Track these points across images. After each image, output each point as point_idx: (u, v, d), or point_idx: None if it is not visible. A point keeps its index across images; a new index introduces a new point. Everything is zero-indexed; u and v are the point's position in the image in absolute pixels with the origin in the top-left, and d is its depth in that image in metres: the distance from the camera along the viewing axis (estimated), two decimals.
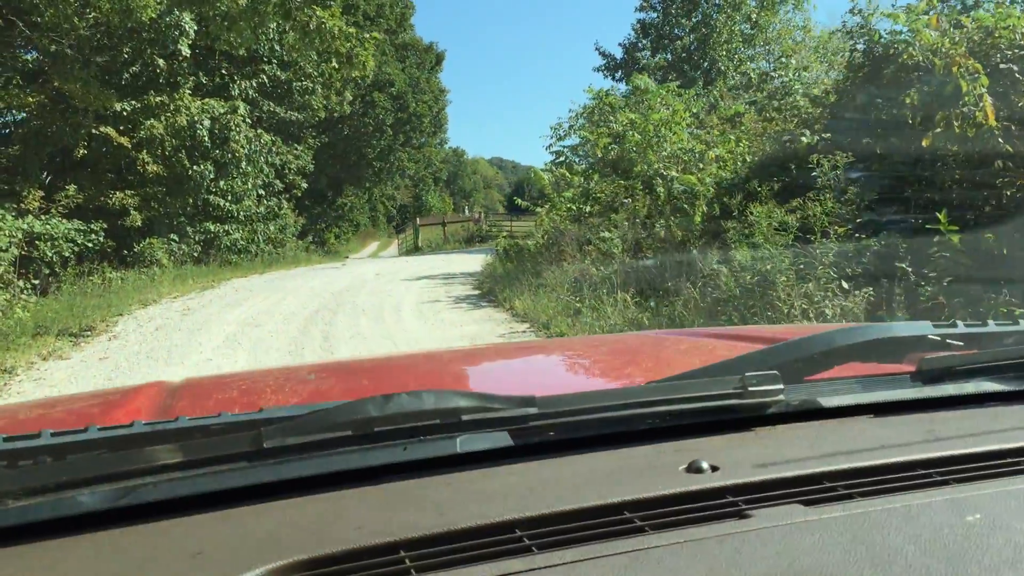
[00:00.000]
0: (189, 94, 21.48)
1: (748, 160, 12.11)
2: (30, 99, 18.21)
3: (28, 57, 18.94)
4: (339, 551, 0.83)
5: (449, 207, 60.16)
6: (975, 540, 0.80)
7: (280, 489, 1.00)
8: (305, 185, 28.44)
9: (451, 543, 0.85)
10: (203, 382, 2.08)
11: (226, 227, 23.26)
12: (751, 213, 9.09)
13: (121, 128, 20.41)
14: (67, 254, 16.77)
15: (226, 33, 12.94)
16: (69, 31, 15.76)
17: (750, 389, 1.16)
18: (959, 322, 1.39)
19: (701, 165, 12.58)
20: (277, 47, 24.34)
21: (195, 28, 17.29)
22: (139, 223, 20.64)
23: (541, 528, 0.88)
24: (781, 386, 1.17)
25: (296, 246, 28.97)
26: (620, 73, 30.56)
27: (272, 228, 25.59)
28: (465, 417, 1.07)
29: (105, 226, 18.91)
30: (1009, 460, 1.03)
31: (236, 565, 0.80)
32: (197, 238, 22.60)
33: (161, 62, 20.09)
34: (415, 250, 38.27)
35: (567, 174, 16.75)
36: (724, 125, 13.69)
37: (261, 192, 24.70)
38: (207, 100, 22.04)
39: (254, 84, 24.54)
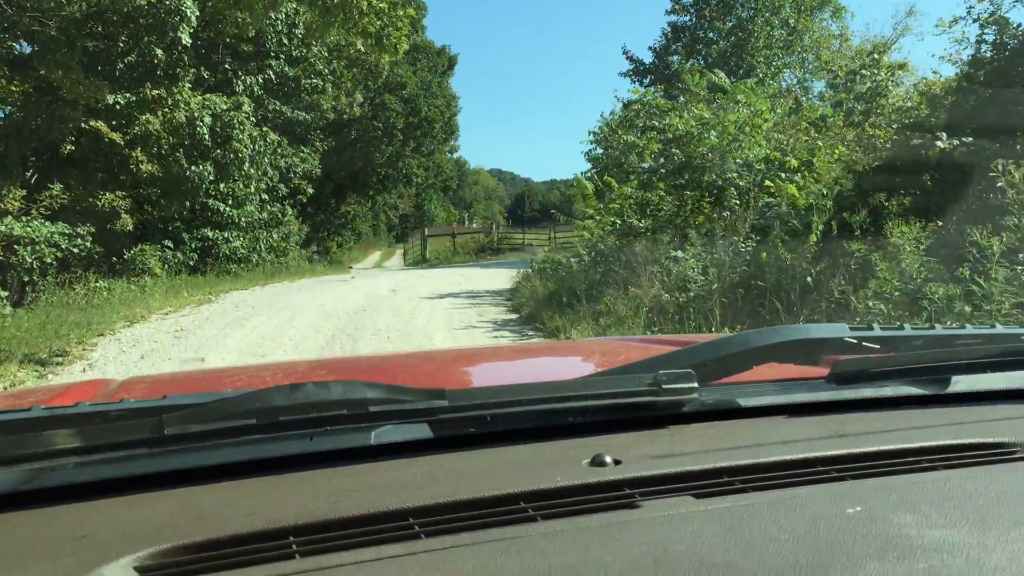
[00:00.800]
0: (189, 88, 19.65)
1: (840, 171, 10.27)
2: (13, 87, 16.34)
3: (15, 45, 17.09)
4: (225, 536, 0.84)
5: (455, 218, 58.41)
6: (849, 531, 0.82)
7: (182, 477, 1.00)
8: (311, 190, 26.54)
9: (341, 530, 0.86)
10: (146, 379, 2.11)
11: (226, 234, 21.33)
12: (890, 233, 7.23)
13: (113, 123, 18.62)
14: (49, 260, 15.01)
15: (232, 10, 11.07)
16: (56, 10, 13.90)
17: (664, 387, 1.18)
18: (875, 324, 1.45)
19: (783, 175, 10.73)
20: (285, 40, 22.52)
21: (196, 13, 15.44)
22: (130, 227, 18.77)
23: (433, 517, 0.89)
24: (695, 384, 1.20)
25: (299, 255, 27.09)
26: (650, 79, 28.83)
27: (275, 236, 23.68)
28: (373, 408, 1.08)
29: (93, 230, 17.29)
30: (906, 459, 1.06)
31: (118, 548, 0.81)
32: (194, 245, 20.69)
33: (159, 52, 18.22)
34: (423, 262, 36.47)
35: (613, 183, 14.90)
36: (808, 129, 11.83)
37: (264, 197, 22.79)
38: (208, 96, 20.21)
39: (259, 80, 22.67)
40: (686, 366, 1.23)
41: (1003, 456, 1.08)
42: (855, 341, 1.41)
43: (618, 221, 13.36)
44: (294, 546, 0.83)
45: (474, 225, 41.88)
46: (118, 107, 18.41)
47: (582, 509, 0.91)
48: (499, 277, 19.64)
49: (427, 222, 59.99)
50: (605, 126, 18.22)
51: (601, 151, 19.08)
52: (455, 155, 38.67)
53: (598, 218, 14.14)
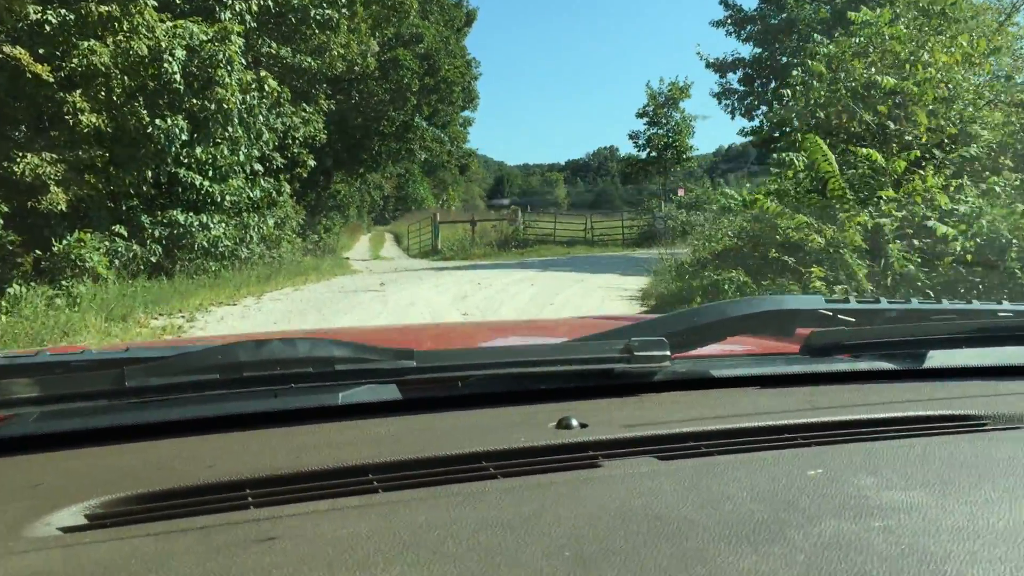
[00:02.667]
0: (154, 7, 13.57)
1: None
2: None
3: None
4: (179, 486, 0.85)
5: (455, 199, 52.25)
6: (808, 491, 0.83)
7: (143, 431, 1.01)
8: (312, 163, 20.37)
9: (299, 483, 0.87)
10: (120, 345, 2.00)
11: (203, 218, 15.17)
12: None
13: (41, 52, 12.54)
14: None
15: None
16: None
17: (636, 354, 1.17)
18: (852, 297, 1.46)
19: None
20: None
21: None
22: (63, 206, 12.73)
23: (393, 473, 0.90)
24: (667, 352, 1.19)
25: (294, 248, 20.97)
26: (750, 29, 23.18)
27: (270, 223, 17.51)
28: (340, 367, 1.08)
29: (6, 209, 11.35)
30: (874, 429, 1.07)
31: (71, 496, 0.82)
32: (157, 234, 14.57)
33: None
34: (434, 253, 30.55)
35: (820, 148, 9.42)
36: None
37: (257, 168, 16.63)
38: (182, 22, 14.15)
39: (253, 6, 16.45)
40: (659, 334, 1.22)
41: (971, 428, 1.09)
42: (830, 313, 1.42)
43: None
44: (249, 497, 0.84)
45: (507, 211, 35.75)
46: (48, 28, 12.39)
47: (543, 468, 0.92)
48: (586, 286, 13.98)
49: (413, 204, 54.23)
50: (800, 80, 12.06)
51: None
52: (468, 128, 32.78)
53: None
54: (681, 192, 31.65)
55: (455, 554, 0.71)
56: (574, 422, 1.04)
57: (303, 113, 19.39)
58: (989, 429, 1.08)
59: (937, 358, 1.34)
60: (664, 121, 33.76)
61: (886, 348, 1.36)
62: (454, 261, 27.75)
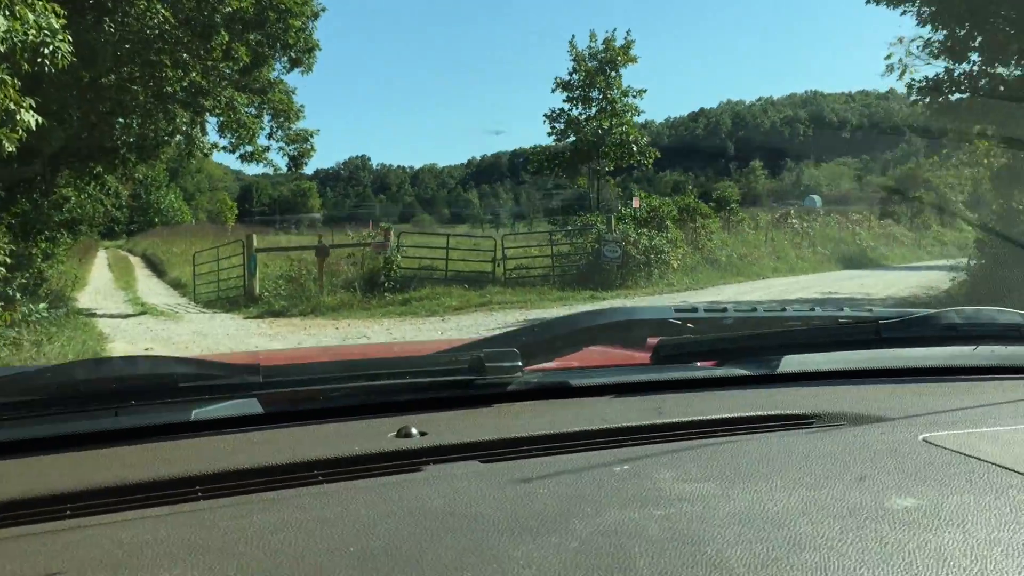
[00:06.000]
0: None
1: None
2: None
3: None
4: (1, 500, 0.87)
5: (229, 216, 38.48)
6: (605, 485, 0.89)
7: None
8: (35, 121, 7.48)
9: (121, 495, 0.88)
10: None
11: None
12: None
13: None
14: None
15: None
16: None
17: (487, 365, 1.21)
18: (698, 306, 1.51)
19: None
20: None
21: None
22: None
23: (220, 484, 0.91)
24: (518, 363, 1.24)
25: None
26: None
27: None
28: (183, 384, 1.07)
29: None
30: (700, 429, 1.13)
31: None
32: None
33: None
34: (250, 302, 18.01)
35: None
36: None
37: None
38: None
39: None
40: (512, 347, 1.25)
41: (797, 426, 1.15)
42: (679, 322, 1.44)
43: None
44: (68, 511, 0.85)
45: (374, 232, 22.53)
46: None
47: (367, 474, 0.95)
48: None
49: (153, 216, 41.37)
50: None
51: None
52: (297, 97, 20.28)
53: None
54: (636, 202, 21.30)
55: (242, 554, 0.73)
56: (414, 431, 1.07)
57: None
58: (814, 428, 1.15)
59: (780, 362, 1.42)
60: (603, 97, 23.15)
61: (732, 355, 1.43)
62: (291, 321, 15.67)
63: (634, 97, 23.85)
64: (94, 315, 16.57)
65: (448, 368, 1.22)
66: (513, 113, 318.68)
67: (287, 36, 16.80)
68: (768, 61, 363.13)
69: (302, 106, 19.78)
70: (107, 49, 13.68)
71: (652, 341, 1.45)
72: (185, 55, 14.89)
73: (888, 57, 16.35)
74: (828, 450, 1.02)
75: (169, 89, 15.23)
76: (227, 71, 16.53)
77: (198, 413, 1.09)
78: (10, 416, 1.02)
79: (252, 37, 16.36)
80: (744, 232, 26.05)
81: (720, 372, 1.40)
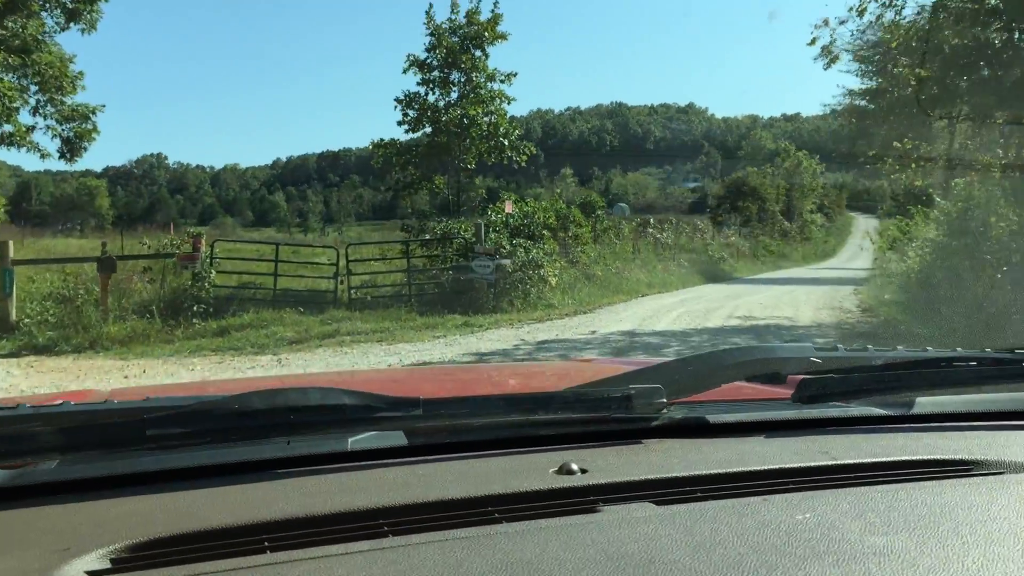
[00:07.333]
0: None
1: None
2: None
3: None
4: (199, 530, 0.88)
5: None
6: (796, 536, 0.87)
7: (162, 477, 1.04)
8: None
9: (312, 527, 0.90)
10: (134, 390, 2.08)
11: None
12: None
13: None
14: None
15: None
16: None
17: (634, 402, 1.21)
18: (840, 346, 1.51)
19: None
20: None
21: None
22: None
23: (402, 517, 0.93)
24: (664, 400, 1.23)
25: None
26: None
27: None
28: (350, 415, 1.11)
29: None
30: (862, 474, 1.11)
31: (95, 540, 0.85)
32: None
33: None
34: (5, 331, 12.93)
35: None
36: None
37: None
38: None
39: None
40: (656, 382, 1.24)
41: (957, 473, 1.12)
42: (819, 361, 1.43)
43: None
44: (266, 542, 0.86)
45: (179, 236, 17.27)
46: None
47: (545, 513, 0.95)
48: None
49: None
50: None
51: None
52: (75, 64, 15.18)
53: None
54: (509, 207, 17.69)
55: None
56: (575, 467, 1.07)
57: None
58: (975, 474, 1.11)
59: (926, 404, 1.39)
60: (467, 80, 19.31)
61: (875, 395, 1.41)
62: (60, 361, 11.44)
63: (502, 82, 20.41)
64: None
65: (598, 404, 1.22)
66: (327, 111, 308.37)
67: None
68: (576, 71, 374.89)
69: (80, 73, 14.79)
70: None
71: (793, 379, 1.42)
72: None
73: (812, 42, 14.24)
74: (1004, 501, 1.00)
75: None
76: None
77: (356, 442, 1.12)
78: (195, 443, 1.05)
79: None
80: (613, 242, 23.45)
81: (863, 411, 1.38)
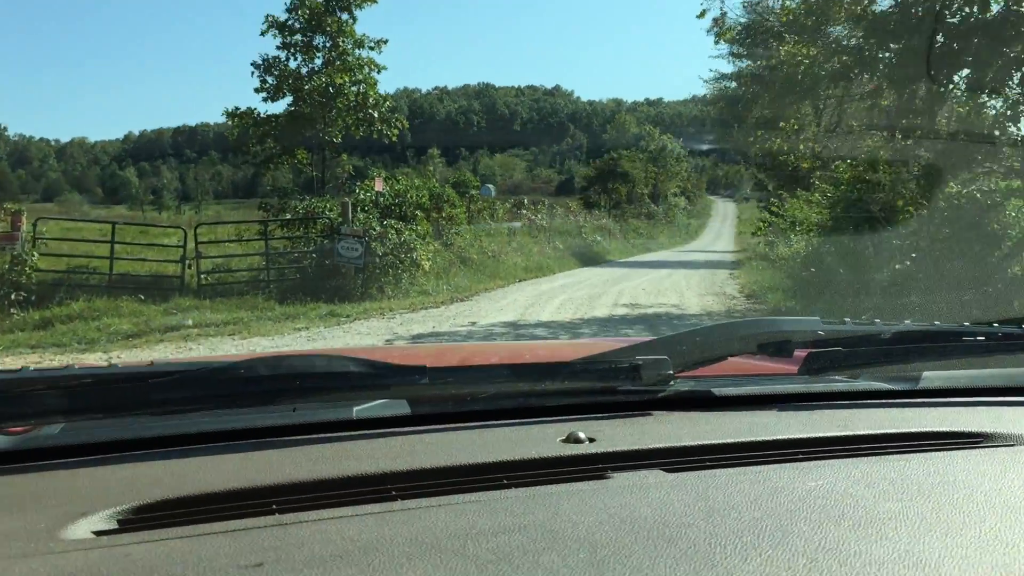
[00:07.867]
0: None
1: None
2: None
3: None
4: (207, 492, 0.88)
5: None
6: (807, 502, 0.87)
7: (169, 441, 1.04)
8: None
9: (319, 491, 0.90)
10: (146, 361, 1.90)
11: None
12: None
13: None
14: None
15: None
16: None
17: (640, 372, 1.20)
18: (848, 319, 1.49)
19: None
20: None
21: None
22: None
23: (409, 482, 0.93)
24: (670, 372, 1.23)
25: None
26: None
27: None
28: (355, 383, 1.11)
29: None
30: (871, 445, 1.10)
31: (103, 501, 0.86)
32: None
33: None
34: None
35: None
36: None
37: None
38: None
39: None
40: (663, 354, 1.24)
41: (968, 445, 1.11)
42: (826, 334, 1.42)
43: None
44: (274, 504, 0.86)
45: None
46: None
47: (555, 479, 0.94)
48: None
49: None
50: None
51: None
52: None
53: None
54: (379, 184, 16.20)
55: (476, 555, 0.74)
56: (583, 436, 1.07)
57: None
58: (986, 446, 1.11)
59: (934, 378, 1.40)
60: (333, 46, 17.41)
61: (884, 367, 1.43)
62: None
63: (371, 49, 18.78)
64: None
65: (605, 375, 1.22)
66: (182, 82, 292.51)
67: None
68: (443, 50, 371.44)
69: None
70: None
71: (799, 353, 1.40)
72: None
73: (702, 15, 13.76)
74: (1020, 470, 1.01)
75: None
76: None
77: (361, 410, 1.12)
78: (200, 408, 1.05)
79: None
80: (487, 223, 22.46)
81: (870, 385, 1.39)
